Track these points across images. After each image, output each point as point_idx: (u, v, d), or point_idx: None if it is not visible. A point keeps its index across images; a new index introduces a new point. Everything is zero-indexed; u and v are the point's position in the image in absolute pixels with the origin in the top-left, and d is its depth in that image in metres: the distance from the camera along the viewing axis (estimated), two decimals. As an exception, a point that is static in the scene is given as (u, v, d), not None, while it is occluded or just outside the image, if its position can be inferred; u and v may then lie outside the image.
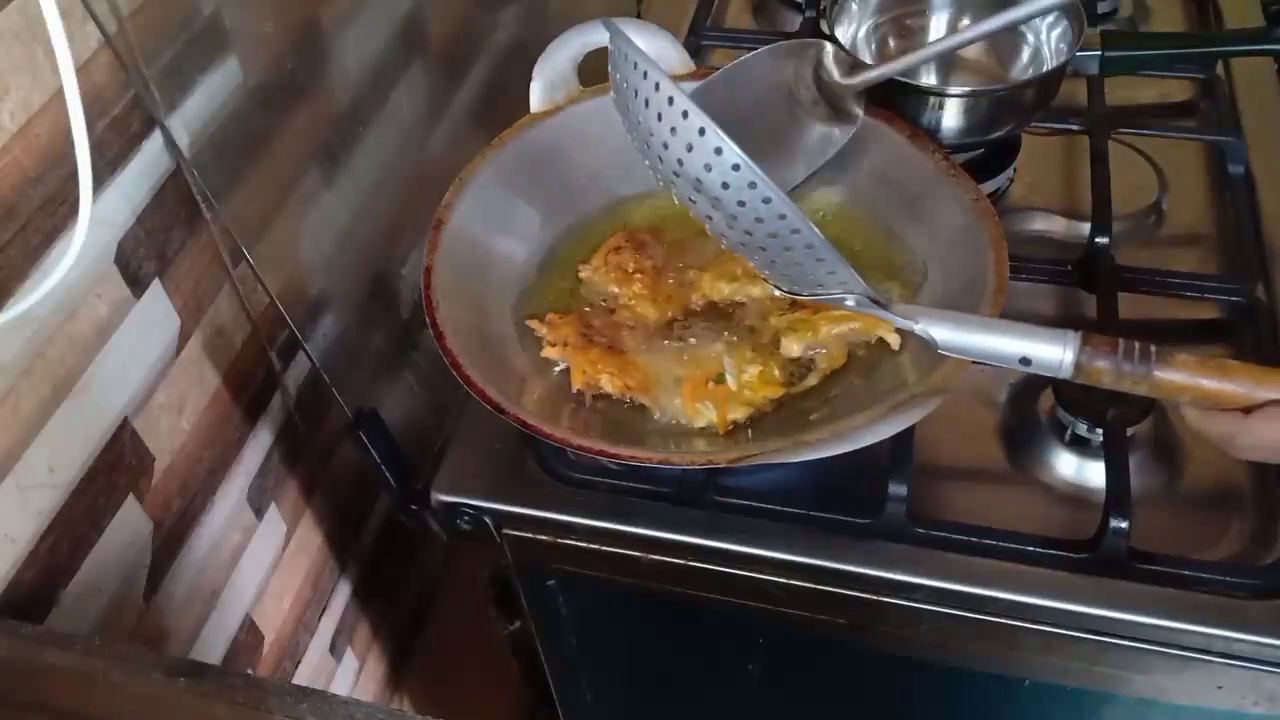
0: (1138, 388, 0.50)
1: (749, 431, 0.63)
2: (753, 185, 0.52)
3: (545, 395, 0.65)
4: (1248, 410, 0.49)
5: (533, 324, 0.69)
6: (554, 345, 0.67)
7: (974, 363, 0.59)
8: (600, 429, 0.63)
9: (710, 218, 0.56)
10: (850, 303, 0.57)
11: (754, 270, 0.62)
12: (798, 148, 0.73)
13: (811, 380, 0.65)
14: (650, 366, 0.66)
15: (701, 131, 0.52)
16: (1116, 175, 0.78)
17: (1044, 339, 0.52)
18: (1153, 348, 0.50)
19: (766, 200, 0.53)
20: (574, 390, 0.65)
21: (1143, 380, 0.50)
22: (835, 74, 0.73)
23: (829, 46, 0.73)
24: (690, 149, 0.53)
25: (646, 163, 0.58)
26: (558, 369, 0.67)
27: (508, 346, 0.68)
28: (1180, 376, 0.50)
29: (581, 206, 0.75)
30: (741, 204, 0.53)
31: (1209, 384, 0.49)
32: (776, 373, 0.65)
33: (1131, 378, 0.50)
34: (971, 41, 0.73)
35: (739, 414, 0.63)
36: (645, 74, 0.53)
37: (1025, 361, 0.52)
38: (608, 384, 0.65)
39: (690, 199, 0.56)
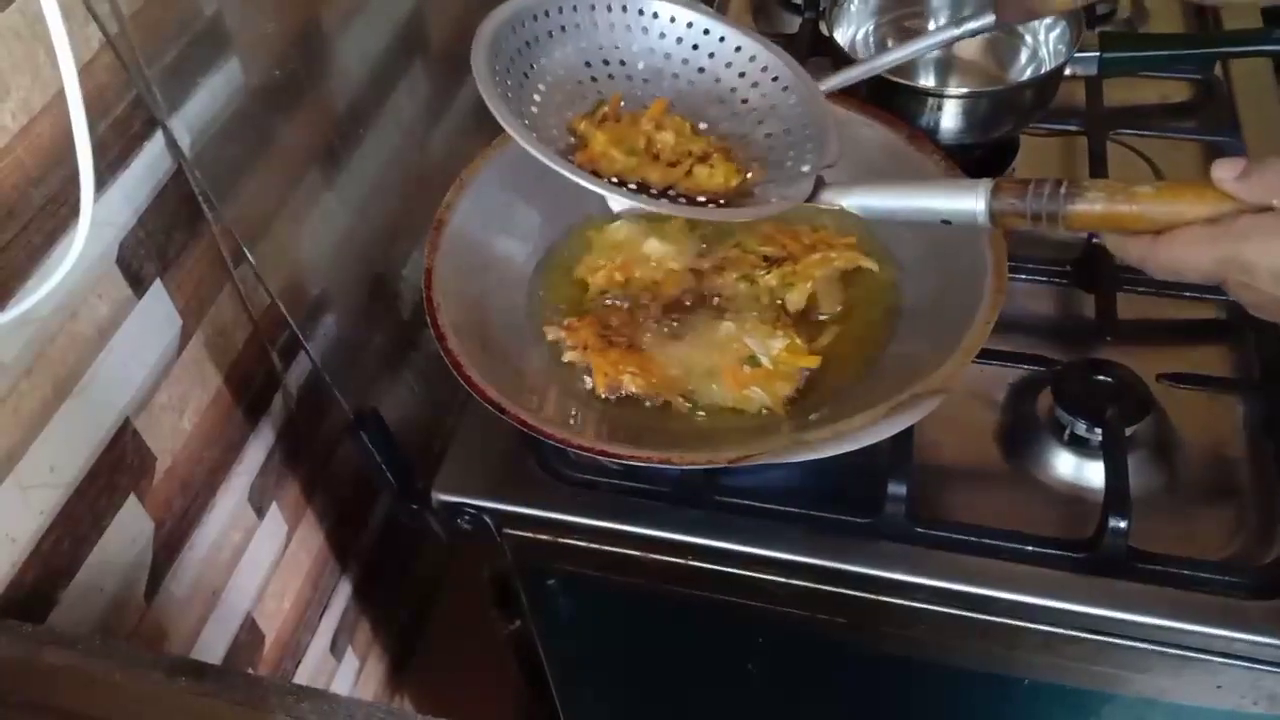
0: (1055, 228, 0.50)
1: (802, 406, 0.64)
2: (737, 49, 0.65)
3: (563, 401, 0.65)
4: (1159, 233, 0.49)
5: (548, 329, 0.68)
6: (574, 349, 0.67)
7: (974, 361, 0.59)
8: (623, 432, 0.63)
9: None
10: (778, 202, 0.59)
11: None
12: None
13: (825, 339, 0.67)
14: (673, 361, 0.66)
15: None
16: (1115, 175, 0.78)
17: (957, 190, 0.52)
18: (1064, 183, 0.49)
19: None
20: (598, 393, 0.65)
21: (1058, 217, 0.49)
22: None
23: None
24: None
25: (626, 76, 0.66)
26: (578, 375, 0.67)
27: (511, 349, 0.68)
28: (1092, 208, 0.49)
29: (583, 206, 0.75)
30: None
31: (1121, 211, 0.49)
32: (799, 341, 0.66)
33: (1047, 215, 0.50)
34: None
35: (787, 389, 0.64)
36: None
37: (946, 222, 0.54)
38: (630, 383, 0.65)
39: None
